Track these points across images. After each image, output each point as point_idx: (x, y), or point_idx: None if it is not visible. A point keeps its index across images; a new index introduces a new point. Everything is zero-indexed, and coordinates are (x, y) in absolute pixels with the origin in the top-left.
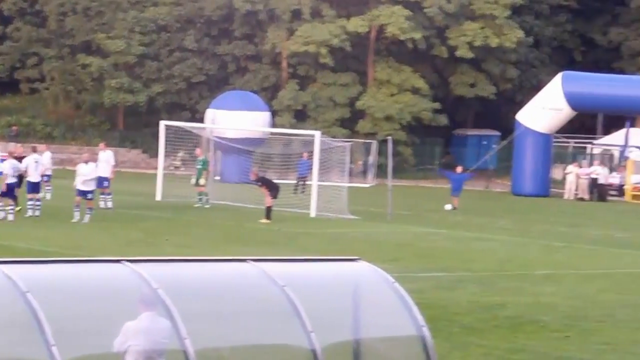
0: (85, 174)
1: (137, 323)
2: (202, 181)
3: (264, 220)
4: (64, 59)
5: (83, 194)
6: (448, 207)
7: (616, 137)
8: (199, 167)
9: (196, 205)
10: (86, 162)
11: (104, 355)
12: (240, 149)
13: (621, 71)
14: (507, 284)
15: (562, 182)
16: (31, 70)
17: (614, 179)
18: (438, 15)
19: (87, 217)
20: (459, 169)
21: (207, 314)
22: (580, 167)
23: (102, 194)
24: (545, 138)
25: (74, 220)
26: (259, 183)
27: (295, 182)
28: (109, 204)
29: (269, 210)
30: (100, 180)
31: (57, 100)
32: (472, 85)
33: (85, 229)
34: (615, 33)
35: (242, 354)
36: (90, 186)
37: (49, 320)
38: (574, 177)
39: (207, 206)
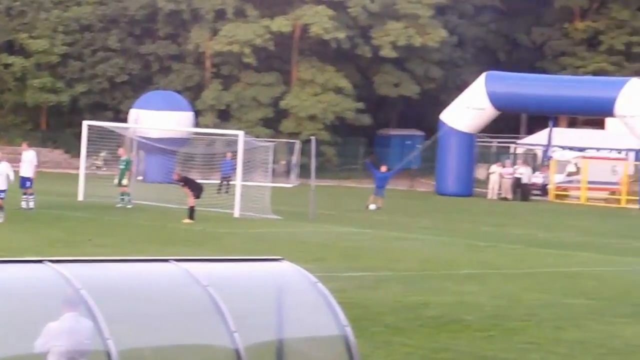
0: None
1: (60, 323)
2: (124, 181)
3: (187, 221)
4: None
5: None
6: (372, 206)
7: (539, 137)
8: (121, 167)
9: (118, 206)
10: None
11: (26, 356)
12: (164, 149)
13: (544, 71)
14: (431, 284)
15: (485, 182)
16: None
17: (537, 178)
18: (362, 15)
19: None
20: (384, 169)
21: (130, 314)
22: (504, 166)
23: (25, 194)
24: (469, 138)
25: None
26: (182, 183)
27: (219, 182)
28: (31, 204)
29: (192, 210)
30: (22, 181)
31: None
32: (396, 85)
33: (7, 230)
34: (539, 33)
35: (165, 354)
36: (3, 185)
37: None
38: (497, 177)
39: (129, 206)
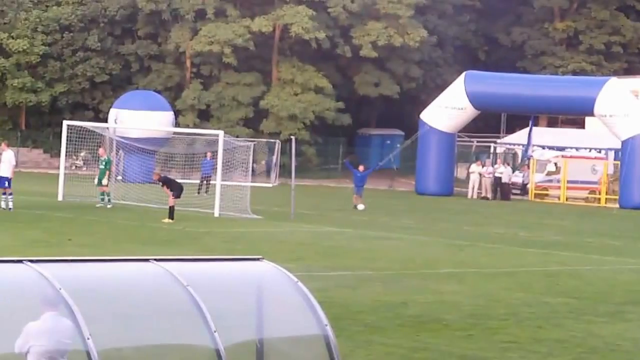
0: None
1: (40, 323)
2: (104, 181)
3: (167, 220)
4: None
5: None
6: (361, 206)
7: (519, 136)
8: (101, 167)
9: (98, 205)
10: None
11: (6, 356)
12: (144, 148)
13: (525, 70)
14: (411, 283)
15: (465, 181)
16: None
17: (517, 178)
18: (342, 15)
19: None
20: (361, 168)
21: (110, 314)
22: (484, 166)
23: (4, 194)
24: (449, 137)
25: None
26: (161, 184)
27: (199, 181)
28: (10, 205)
29: (172, 210)
30: (1, 181)
31: None
32: (376, 85)
33: None
34: (519, 33)
35: (146, 354)
36: None
37: None
38: (477, 176)
39: (109, 206)
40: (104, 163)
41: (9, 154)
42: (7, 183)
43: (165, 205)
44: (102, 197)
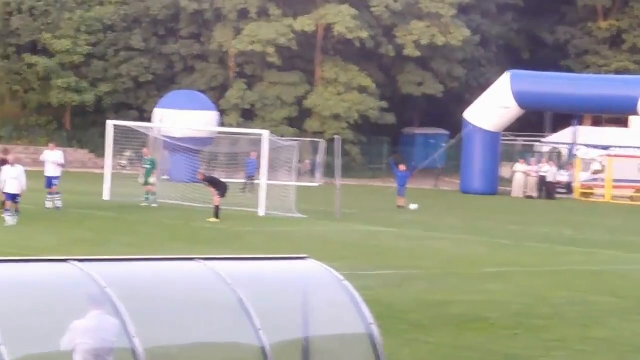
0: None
1: (85, 321)
2: (152, 180)
3: (213, 219)
4: (9, 58)
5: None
6: (413, 206)
7: (564, 135)
8: (147, 166)
9: (143, 205)
10: (12, 164)
11: (51, 354)
12: (188, 148)
13: (568, 70)
14: (456, 282)
15: (510, 180)
16: None
17: (563, 176)
18: (385, 14)
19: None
20: (402, 168)
21: (156, 312)
22: (529, 164)
23: (50, 193)
24: (494, 136)
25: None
26: (206, 183)
27: (243, 181)
28: (58, 204)
29: (217, 209)
30: (49, 180)
31: (4, 100)
32: (420, 84)
33: (32, 229)
34: (562, 32)
35: (191, 352)
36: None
37: None
38: (521, 175)
39: (154, 205)
40: (149, 163)
41: (57, 155)
42: (55, 182)
43: (210, 204)
44: (147, 196)
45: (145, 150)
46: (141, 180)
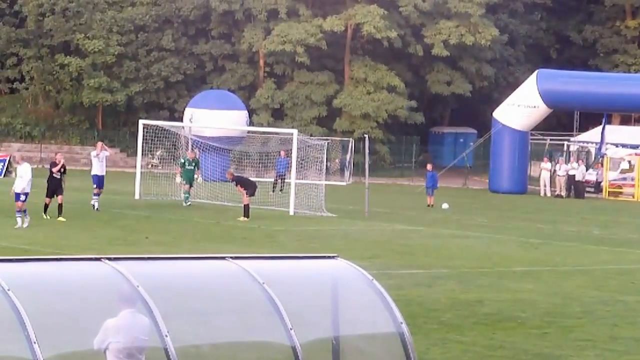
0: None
1: (117, 320)
2: (200, 179)
3: (243, 219)
4: (42, 59)
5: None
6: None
7: (592, 134)
8: (190, 167)
9: (187, 204)
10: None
11: (85, 352)
12: (219, 147)
13: (596, 69)
14: (486, 281)
15: (539, 179)
16: (10, 71)
17: (591, 175)
18: (413, 14)
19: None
20: (429, 167)
21: (187, 311)
22: (557, 163)
23: (98, 194)
24: (522, 135)
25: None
26: (234, 183)
27: (273, 180)
28: (96, 205)
29: (246, 209)
30: (100, 180)
31: (37, 100)
32: (448, 83)
33: (66, 228)
34: (590, 31)
35: (223, 351)
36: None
37: (31, 318)
38: (547, 174)
39: (187, 204)
40: (193, 164)
41: (106, 154)
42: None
43: (240, 203)
44: (187, 195)
45: (189, 153)
46: (178, 179)
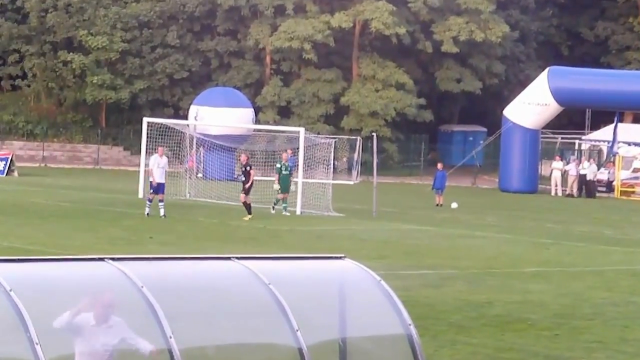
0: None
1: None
2: (293, 186)
3: (247, 217)
4: (45, 55)
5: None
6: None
7: (604, 133)
8: (285, 172)
9: (284, 213)
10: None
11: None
12: (224, 145)
13: (609, 66)
14: (495, 282)
15: (550, 178)
16: (12, 67)
17: (603, 175)
18: (422, 10)
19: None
20: (440, 166)
21: (192, 312)
22: (568, 162)
23: (160, 201)
24: (533, 134)
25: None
26: (249, 167)
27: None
28: (162, 211)
29: (247, 206)
30: (161, 187)
31: (39, 97)
32: (458, 81)
33: (68, 228)
34: (602, 27)
35: (228, 352)
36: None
37: (33, 319)
38: (558, 173)
39: (286, 213)
40: (287, 168)
41: (164, 160)
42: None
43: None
44: (285, 204)
45: (284, 154)
46: (276, 186)
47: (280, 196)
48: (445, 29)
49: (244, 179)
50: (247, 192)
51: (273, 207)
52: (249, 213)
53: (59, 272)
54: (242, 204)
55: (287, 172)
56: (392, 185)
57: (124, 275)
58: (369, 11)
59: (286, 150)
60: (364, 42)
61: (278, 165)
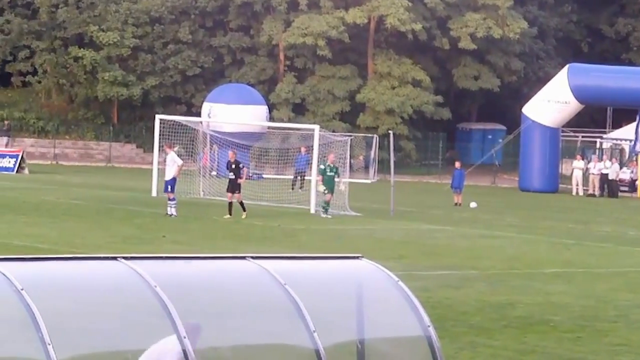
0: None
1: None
2: (342, 187)
3: (244, 215)
4: (56, 51)
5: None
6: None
7: (626, 131)
8: (330, 174)
9: (323, 216)
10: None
11: (99, 354)
12: (238, 143)
13: (630, 63)
14: (516, 283)
15: (571, 178)
16: (23, 64)
17: (625, 174)
18: (439, 6)
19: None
20: (458, 165)
21: (207, 312)
22: (589, 161)
23: (170, 199)
24: (553, 132)
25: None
26: (241, 165)
27: (292, 177)
28: (173, 211)
29: (241, 204)
30: (165, 184)
31: (50, 94)
32: (476, 78)
33: (81, 226)
34: (623, 24)
35: (243, 353)
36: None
37: (45, 318)
38: (579, 172)
39: (328, 216)
40: (334, 170)
41: (171, 156)
42: (169, 187)
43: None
44: (326, 207)
45: (330, 155)
46: (320, 188)
47: (328, 197)
48: (462, 25)
49: (233, 176)
50: (233, 190)
51: (326, 211)
52: (229, 213)
53: (70, 271)
54: (239, 203)
55: (333, 174)
56: (409, 184)
57: (137, 274)
58: (384, 7)
59: (331, 153)
60: (379, 39)
61: (322, 167)
